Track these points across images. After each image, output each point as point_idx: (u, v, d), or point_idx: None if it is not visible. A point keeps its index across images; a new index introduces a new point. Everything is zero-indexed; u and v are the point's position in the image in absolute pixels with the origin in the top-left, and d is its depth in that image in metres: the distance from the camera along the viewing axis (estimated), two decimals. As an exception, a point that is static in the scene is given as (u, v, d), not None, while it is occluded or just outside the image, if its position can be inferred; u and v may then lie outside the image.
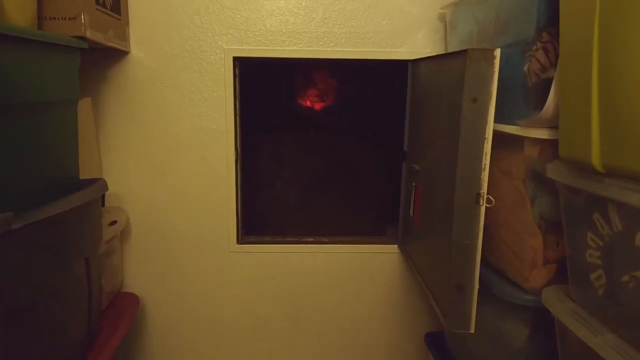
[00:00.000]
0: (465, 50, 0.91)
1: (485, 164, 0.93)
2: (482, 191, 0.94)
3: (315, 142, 2.08)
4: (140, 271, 1.47)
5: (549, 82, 0.88)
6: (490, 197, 0.94)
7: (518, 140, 0.95)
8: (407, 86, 1.41)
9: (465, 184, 0.94)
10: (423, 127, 1.26)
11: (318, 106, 2.15)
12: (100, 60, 1.34)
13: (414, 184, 1.32)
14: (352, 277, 1.52)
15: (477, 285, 0.95)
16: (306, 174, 2.08)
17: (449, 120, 1.02)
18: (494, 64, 0.91)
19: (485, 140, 0.93)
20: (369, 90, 2.09)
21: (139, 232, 1.44)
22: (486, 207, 0.94)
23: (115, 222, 1.31)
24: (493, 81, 0.91)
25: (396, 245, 1.51)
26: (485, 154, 0.93)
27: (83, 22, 1.05)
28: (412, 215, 1.33)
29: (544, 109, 0.85)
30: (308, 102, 2.15)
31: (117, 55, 1.34)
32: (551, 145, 0.89)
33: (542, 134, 0.88)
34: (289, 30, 1.37)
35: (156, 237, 1.45)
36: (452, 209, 0.96)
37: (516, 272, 0.98)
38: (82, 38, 1.06)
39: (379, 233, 1.87)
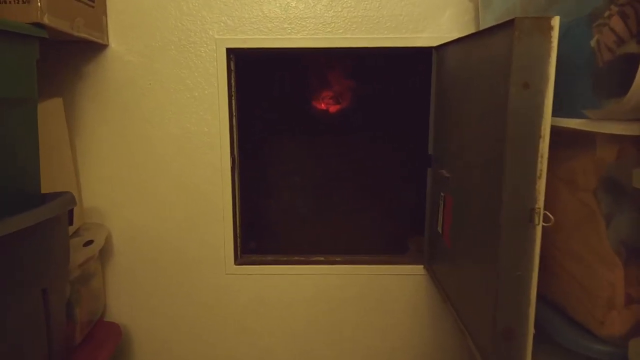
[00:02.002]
0: (511, 21, 0.71)
1: (541, 171, 0.72)
2: (537, 206, 0.73)
3: (327, 145, 1.89)
4: (125, 297, 1.28)
5: (629, 58, 0.65)
6: (548, 213, 0.72)
7: (586, 139, 0.72)
8: (429, 79, 1.18)
9: (514, 197, 0.73)
10: (453, 125, 1.04)
11: (333, 109, 1.96)
12: (73, 55, 1.17)
13: (442, 194, 1.09)
14: (370, 303, 1.30)
15: (532, 330, 0.75)
16: (317, 180, 1.89)
17: (489, 115, 0.80)
18: (551, 36, 0.70)
19: (541, 139, 0.72)
20: (385, 88, 1.88)
21: (123, 252, 1.26)
22: (543, 226, 0.72)
23: (91, 241, 1.13)
24: (550, 60, 0.71)
25: (422, 266, 1.28)
26: (541, 157, 0.72)
27: (39, 5, 0.87)
28: (440, 231, 1.10)
29: (628, 94, 0.62)
30: (323, 105, 1.97)
31: (93, 49, 1.17)
32: (635, 145, 0.66)
33: (623, 129, 0.66)
34: (290, 16, 1.17)
35: (142, 258, 1.26)
36: (496, 229, 0.75)
37: (586, 313, 0.74)
38: (40, 25, 0.88)
39: (400, 247, 1.65)
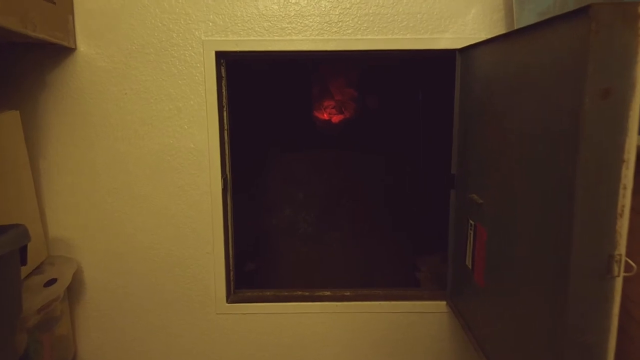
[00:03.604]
0: (584, 9, 0.54)
1: (623, 206, 0.55)
2: (617, 252, 0.56)
3: (331, 161, 1.72)
4: (98, 341, 1.11)
5: None
6: (630, 261, 0.55)
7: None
8: (442, 86, 1.02)
9: (588, 241, 0.58)
10: (486, 142, 0.87)
11: (336, 119, 1.80)
12: (34, 60, 1.01)
13: (471, 222, 0.92)
14: (383, 347, 1.13)
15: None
16: (318, 196, 1.72)
17: (547, 132, 0.63)
18: (638, 28, 0.53)
19: (624, 164, 0.56)
20: (392, 96, 1.72)
21: (95, 290, 1.09)
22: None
23: (54, 280, 0.95)
24: (637, 59, 0.55)
25: (444, 302, 1.10)
26: (624, 189, 0.55)
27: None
28: (470, 267, 0.93)
29: None
30: (325, 115, 1.80)
31: (57, 53, 1.00)
32: None
33: None
34: (290, 14, 1.01)
35: (118, 296, 1.09)
36: (561, 280, 0.57)
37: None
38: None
39: (408, 266, 1.48)
